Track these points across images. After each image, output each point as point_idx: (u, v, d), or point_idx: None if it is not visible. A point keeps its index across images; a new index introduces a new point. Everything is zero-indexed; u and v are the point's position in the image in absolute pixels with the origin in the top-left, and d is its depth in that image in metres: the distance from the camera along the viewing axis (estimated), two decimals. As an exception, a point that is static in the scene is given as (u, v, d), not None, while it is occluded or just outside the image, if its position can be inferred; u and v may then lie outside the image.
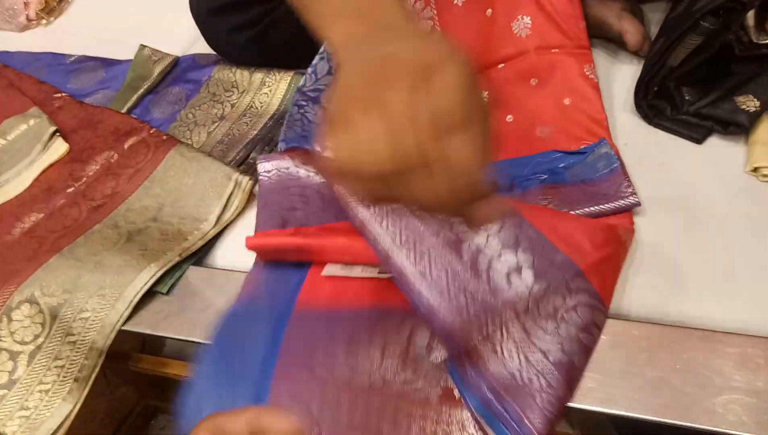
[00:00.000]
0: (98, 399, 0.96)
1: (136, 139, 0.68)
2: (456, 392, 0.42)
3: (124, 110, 0.75)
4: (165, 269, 0.54)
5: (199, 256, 0.58)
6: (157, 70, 0.78)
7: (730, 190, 0.50)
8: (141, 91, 0.77)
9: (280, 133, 0.63)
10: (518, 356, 0.40)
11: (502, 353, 0.41)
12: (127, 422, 1.05)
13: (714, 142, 0.54)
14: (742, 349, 0.40)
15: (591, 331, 0.42)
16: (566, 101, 0.59)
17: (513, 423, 0.38)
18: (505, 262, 0.44)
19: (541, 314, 0.41)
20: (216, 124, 0.70)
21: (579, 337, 0.41)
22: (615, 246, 0.46)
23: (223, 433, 0.32)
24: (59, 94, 0.78)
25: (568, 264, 0.43)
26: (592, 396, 0.40)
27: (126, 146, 0.68)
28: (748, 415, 0.38)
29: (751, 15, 0.52)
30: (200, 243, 0.57)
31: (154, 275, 0.54)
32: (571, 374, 0.40)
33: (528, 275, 0.43)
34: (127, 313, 0.53)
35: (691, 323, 0.43)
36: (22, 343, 0.54)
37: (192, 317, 0.53)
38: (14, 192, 0.67)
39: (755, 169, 0.50)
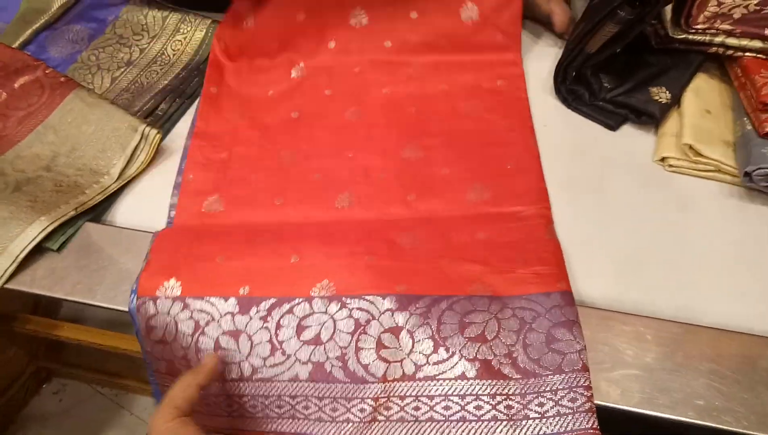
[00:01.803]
0: (-18, 360, 0.89)
1: (29, 79, 0.61)
2: None
3: (15, 45, 0.67)
4: (57, 224, 0.50)
5: (97, 212, 0.53)
6: (57, 3, 0.71)
7: (639, 177, 0.52)
8: (37, 25, 0.69)
9: (191, 85, 0.61)
10: None
11: None
12: (17, 384, 0.98)
13: (627, 131, 0.56)
14: (635, 327, 0.42)
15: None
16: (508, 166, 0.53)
17: None
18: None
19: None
20: (122, 69, 0.65)
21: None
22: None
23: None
24: (-61, 21, 0.69)
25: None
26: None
27: (17, 85, 0.61)
28: (639, 388, 0.40)
29: (668, 9, 0.54)
30: (99, 198, 0.52)
31: (44, 230, 0.49)
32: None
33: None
34: (11, 270, 0.48)
35: (591, 303, 0.45)
36: None
37: (86, 278, 0.49)
38: None
39: (662, 159, 0.52)
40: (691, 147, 0.50)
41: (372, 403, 0.40)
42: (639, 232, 0.48)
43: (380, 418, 0.40)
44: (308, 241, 0.48)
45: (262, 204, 0.52)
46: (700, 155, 0.50)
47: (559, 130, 0.56)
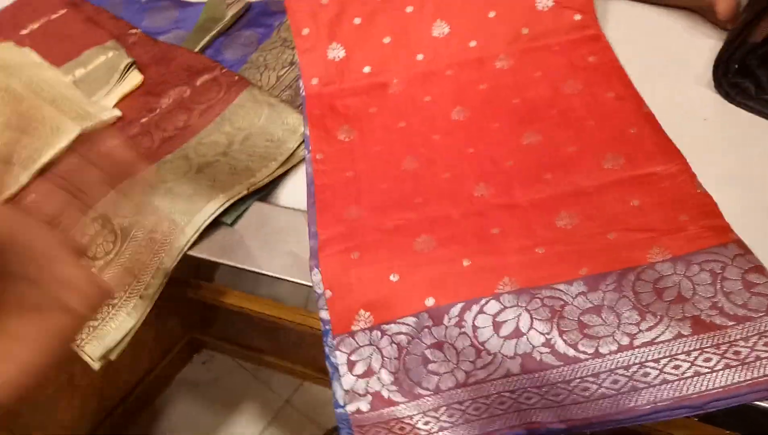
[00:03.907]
0: (148, 327, 1.00)
1: (209, 77, 0.70)
2: None
3: (196, 50, 0.77)
4: (233, 201, 0.56)
5: (265, 192, 0.59)
6: (230, 13, 0.80)
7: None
8: (213, 32, 0.78)
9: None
10: None
11: None
12: (172, 352, 1.10)
13: (798, 125, 0.52)
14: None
15: None
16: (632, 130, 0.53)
17: None
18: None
19: None
20: (285, 69, 0.71)
21: None
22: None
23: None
24: (134, 31, 0.81)
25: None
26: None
27: (198, 83, 0.70)
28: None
29: None
30: (267, 180, 0.59)
31: (222, 205, 0.56)
32: None
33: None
34: (194, 238, 0.56)
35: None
36: (95, 258, 0.57)
37: (253, 250, 0.55)
38: (92, 120, 0.70)
39: (841, 155, 0.48)
40: None
41: (594, 380, 0.41)
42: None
43: (609, 393, 0.40)
44: (470, 241, 0.50)
45: (403, 205, 0.54)
46: None
47: (721, 125, 0.54)
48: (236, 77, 0.69)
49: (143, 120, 0.69)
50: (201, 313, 1.04)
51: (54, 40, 0.80)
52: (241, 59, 0.74)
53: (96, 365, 0.54)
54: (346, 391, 0.45)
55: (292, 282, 0.53)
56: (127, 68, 0.74)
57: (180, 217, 0.56)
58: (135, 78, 0.73)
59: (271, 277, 0.53)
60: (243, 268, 0.55)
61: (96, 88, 0.73)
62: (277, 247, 0.55)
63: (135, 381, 1.07)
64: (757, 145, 0.52)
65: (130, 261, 0.56)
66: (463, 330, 0.45)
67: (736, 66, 0.54)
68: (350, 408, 0.44)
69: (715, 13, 0.58)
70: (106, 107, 0.70)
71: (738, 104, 0.55)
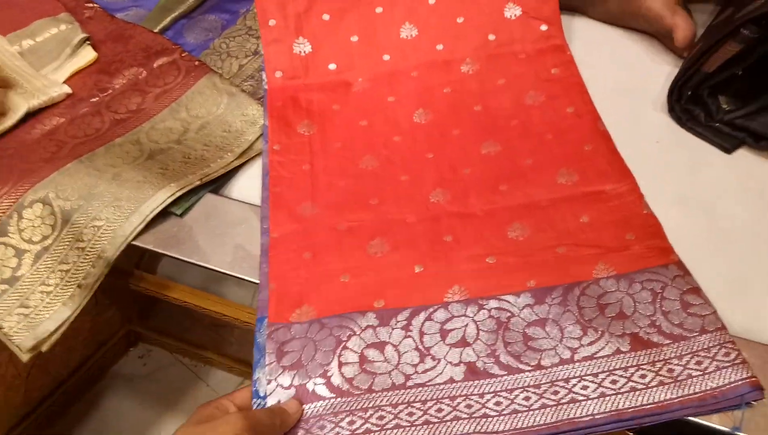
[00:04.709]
0: (85, 317, 0.97)
1: (167, 60, 0.68)
2: None
3: (156, 31, 0.74)
4: (184, 191, 0.54)
5: (218, 184, 0.57)
6: (195, -5, 0.77)
7: (754, 202, 0.51)
8: (175, 14, 0.75)
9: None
10: None
11: None
12: (108, 345, 1.06)
13: (743, 154, 0.55)
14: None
15: None
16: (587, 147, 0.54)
17: None
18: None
19: None
20: (249, 58, 0.70)
21: None
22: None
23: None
24: (91, 5, 0.77)
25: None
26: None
27: (155, 65, 0.67)
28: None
29: (802, 34, 0.52)
30: (221, 171, 0.57)
31: (173, 195, 0.54)
32: None
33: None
34: (140, 228, 0.53)
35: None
36: (30, 241, 0.54)
37: (201, 243, 0.54)
38: (38, 93, 0.66)
39: (780, 186, 0.51)
40: (815, 176, 0.48)
41: (536, 390, 0.41)
42: (750, 257, 0.47)
43: (550, 403, 0.40)
44: (423, 246, 0.50)
45: (359, 205, 0.54)
46: (825, 185, 0.48)
47: (672, 148, 0.55)
48: (196, 62, 0.67)
49: (94, 99, 0.65)
50: (140, 304, 1.00)
51: (-1, 7, 0.76)
52: (202, 44, 0.72)
53: (25, 357, 0.51)
54: (269, 381, 0.43)
55: (240, 278, 0.52)
56: (81, 44, 0.70)
57: (126, 205, 0.54)
58: (88, 54, 0.70)
59: (219, 272, 0.51)
60: (190, 262, 0.53)
61: (45, 62, 0.69)
62: (227, 241, 0.53)
63: (66, 373, 1.02)
64: (705, 170, 0.54)
65: (69, 248, 0.53)
66: (409, 334, 0.45)
67: (689, 93, 0.57)
68: (271, 400, 0.43)
69: (673, 40, 0.60)
70: (55, 82, 0.66)
71: (689, 129, 0.57)
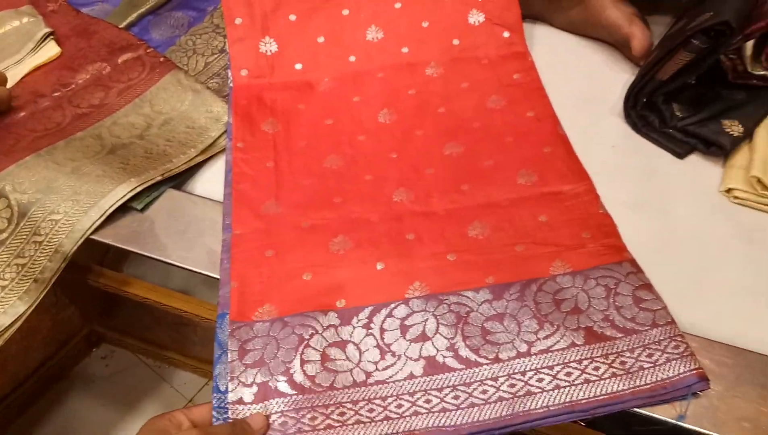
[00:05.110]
0: (44, 316, 0.95)
1: (132, 56, 0.67)
2: None
3: (121, 26, 0.73)
4: (145, 186, 0.54)
5: (180, 180, 0.57)
6: (162, -9, 0.77)
7: (704, 206, 0.52)
8: (142, 10, 0.75)
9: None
10: None
11: None
12: (69, 345, 1.03)
13: (695, 160, 0.56)
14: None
15: None
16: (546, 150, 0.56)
17: None
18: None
19: None
20: (215, 56, 0.69)
21: None
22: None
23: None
24: (55, -2, 0.76)
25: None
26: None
27: (120, 60, 0.67)
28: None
29: (749, 45, 0.54)
30: (184, 167, 0.57)
31: (133, 190, 0.53)
32: None
33: None
34: (99, 222, 0.52)
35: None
36: (-15, 236, 0.53)
37: (162, 239, 0.53)
38: (-2, 86, 0.65)
39: (728, 190, 0.53)
40: (759, 180, 0.50)
41: (493, 383, 0.42)
42: (699, 258, 0.49)
43: (506, 396, 0.41)
44: (385, 244, 0.50)
45: (323, 204, 0.54)
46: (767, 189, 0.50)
47: (627, 153, 0.57)
48: (161, 58, 0.66)
49: (56, 94, 0.65)
50: (103, 304, 0.98)
51: (-42, -2, 0.74)
52: (168, 41, 0.71)
53: (-24, 351, 0.50)
54: (232, 378, 0.43)
55: (202, 274, 0.51)
56: (44, 38, 0.69)
57: (85, 199, 0.53)
58: (51, 50, 0.69)
59: (180, 267, 0.51)
60: (150, 257, 0.52)
61: (5, 56, 0.68)
62: (189, 237, 0.53)
63: (25, 373, 0.99)
64: (658, 174, 0.55)
65: (25, 242, 0.52)
66: (370, 331, 0.45)
67: (645, 100, 0.58)
68: (232, 396, 0.43)
69: (630, 49, 0.62)
70: (15, 76, 0.65)
71: (644, 135, 0.59)
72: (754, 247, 0.49)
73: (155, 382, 1.08)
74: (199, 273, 0.51)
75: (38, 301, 0.51)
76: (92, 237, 0.53)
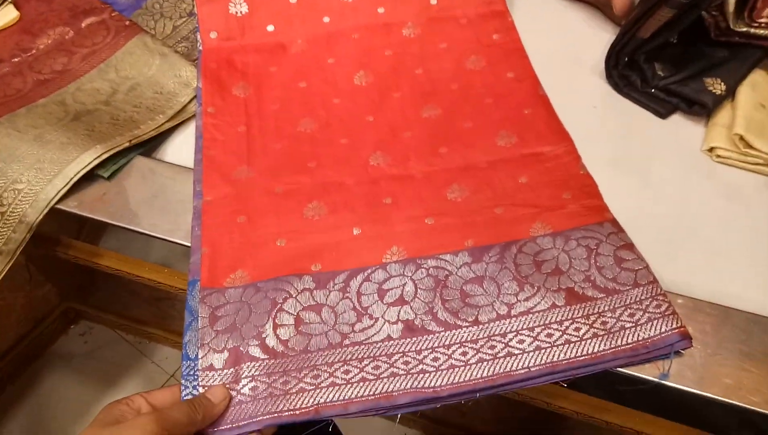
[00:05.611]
0: (17, 293, 0.92)
1: (96, 20, 0.64)
2: None
3: (85, -11, 0.70)
4: (111, 153, 0.52)
5: (149, 147, 0.55)
6: (127, -47, 0.73)
7: (686, 164, 0.52)
8: (106, -28, 0.72)
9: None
10: None
11: None
12: (45, 322, 1.01)
13: (677, 119, 0.56)
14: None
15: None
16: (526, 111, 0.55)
17: None
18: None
19: None
20: (183, 19, 0.67)
21: None
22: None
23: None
24: (13, -40, 0.72)
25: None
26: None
27: (83, 25, 0.64)
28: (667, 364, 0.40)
29: (732, 1, 0.53)
30: (152, 133, 0.54)
31: (99, 157, 0.51)
32: None
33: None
34: (64, 191, 0.50)
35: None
36: (-57, 207, 0.50)
37: (132, 206, 0.51)
38: (-48, 53, 0.62)
39: (711, 149, 0.52)
40: (741, 138, 0.50)
41: (473, 345, 0.41)
42: (681, 217, 0.48)
43: (486, 357, 0.40)
44: (362, 209, 0.49)
45: (296, 168, 0.52)
46: (750, 147, 0.49)
47: (609, 113, 0.56)
48: (127, 22, 0.63)
49: (15, 59, 0.62)
50: (79, 280, 0.96)
51: None
52: (134, 4, 0.68)
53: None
54: (202, 345, 0.42)
55: (175, 243, 0.50)
56: (1, 2, 0.66)
57: (49, 166, 0.51)
58: (9, 14, 0.65)
59: (150, 235, 0.49)
60: (119, 226, 0.50)
61: (-41, 19, 0.64)
62: (159, 205, 0.51)
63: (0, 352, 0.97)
64: (640, 134, 0.55)
65: (-14, 211, 0.50)
66: (346, 295, 0.44)
67: (626, 59, 0.57)
68: (202, 363, 0.41)
69: (612, 9, 0.60)
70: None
71: (625, 95, 0.58)
72: (735, 206, 0.49)
73: (136, 357, 1.07)
74: (170, 241, 0.49)
75: (3, 273, 0.50)
76: (58, 206, 0.51)
